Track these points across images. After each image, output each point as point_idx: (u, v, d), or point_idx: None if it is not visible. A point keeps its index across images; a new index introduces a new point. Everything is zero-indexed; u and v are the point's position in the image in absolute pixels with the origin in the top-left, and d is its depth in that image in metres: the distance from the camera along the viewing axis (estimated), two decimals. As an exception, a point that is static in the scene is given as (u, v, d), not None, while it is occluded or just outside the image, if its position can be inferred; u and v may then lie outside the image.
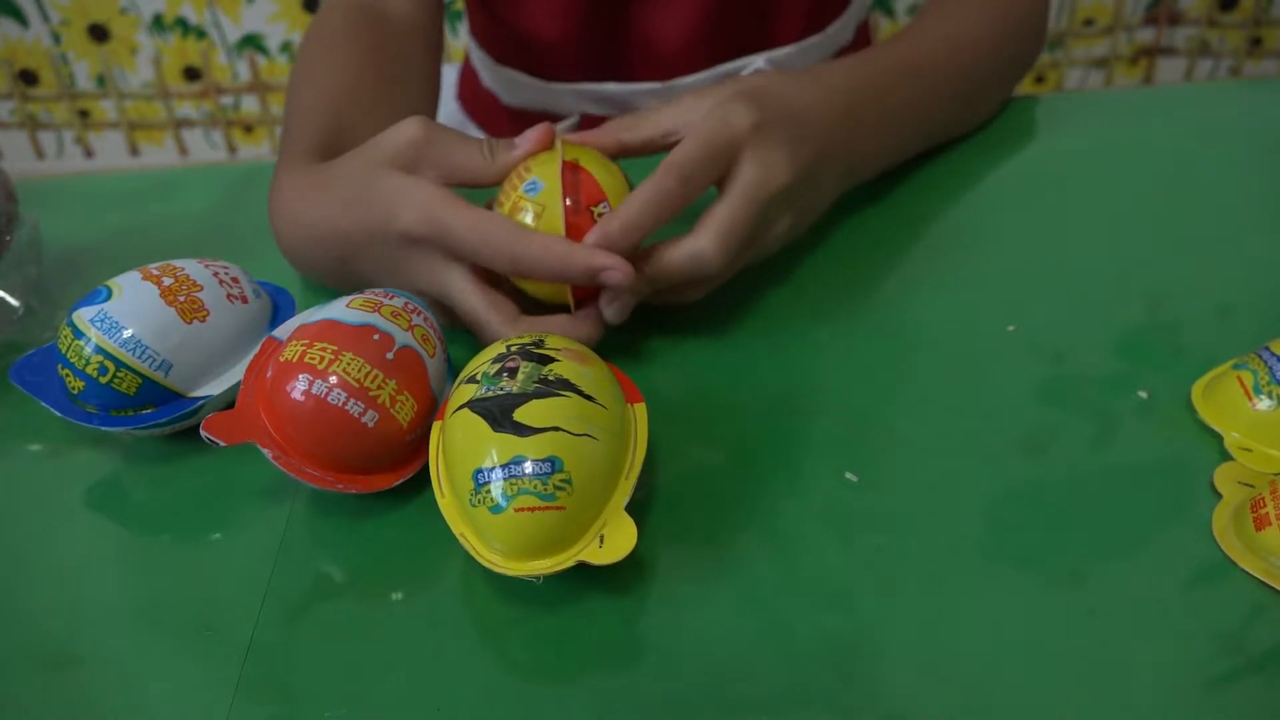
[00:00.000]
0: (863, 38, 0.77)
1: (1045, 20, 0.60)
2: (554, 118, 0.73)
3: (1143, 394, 0.39)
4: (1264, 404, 0.36)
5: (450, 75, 0.83)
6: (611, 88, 0.71)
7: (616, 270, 0.38)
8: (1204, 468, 0.36)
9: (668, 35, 0.68)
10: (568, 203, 0.39)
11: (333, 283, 0.46)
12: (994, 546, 0.34)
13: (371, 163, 0.41)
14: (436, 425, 0.36)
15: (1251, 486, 0.34)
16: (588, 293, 0.41)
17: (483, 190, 0.42)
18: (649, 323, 0.44)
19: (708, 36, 0.69)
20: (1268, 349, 0.37)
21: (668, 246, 0.40)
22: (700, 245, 0.39)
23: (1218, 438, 0.37)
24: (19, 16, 1.62)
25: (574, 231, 0.39)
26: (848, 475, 0.36)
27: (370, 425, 0.34)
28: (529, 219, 0.39)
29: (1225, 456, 0.36)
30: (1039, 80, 1.68)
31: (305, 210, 0.44)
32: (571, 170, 0.40)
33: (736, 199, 0.40)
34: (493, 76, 0.75)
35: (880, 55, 0.52)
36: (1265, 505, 0.32)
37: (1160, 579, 0.32)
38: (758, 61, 0.70)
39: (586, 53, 0.70)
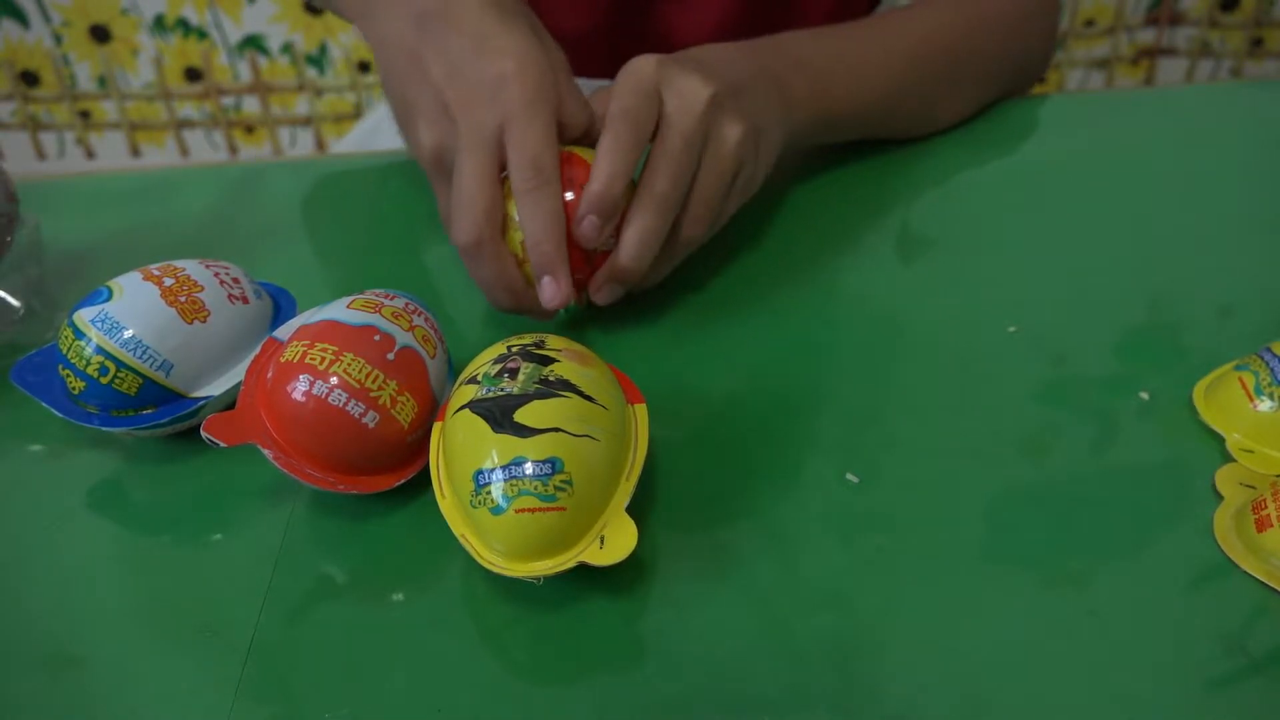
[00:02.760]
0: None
1: (1052, 23, 0.60)
2: None
3: (1144, 395, 0.39)
4: (1265, 405, 0.36)
5: None
6: None
7: (549, 294, 0.39)
8: (1205, 469, 0.36)
9: (690, 33, 0.68)
10: (569, 196, 0.40)
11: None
12: (995, 547, 0.34)
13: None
14: (437, 426, 0.36)
15: (1253, 488, 0.34)
16: (584, 282, 0.42)
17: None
18: (650, 322, 0.44)
19: (731, 35, 0.68)
20: (1269, 350, 0.37)
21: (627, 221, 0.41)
22: (643, 190, 0.40)
23: (1219, 439, 0.37)
24: (20, 17, 1.62)
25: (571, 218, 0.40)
26: (849, 476, 0.36)
27: (371, 426, 0.34)
28: None
29: (1227, 458, 0.36)
30: (1040, 81, 1.68)
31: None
32: (567, 162, 0.40)
33: (663, 130, 0.41)
34: None
35: (827, 29, 0.53)
36: (1267, 507, 0.32)
37: (1161, 580, 0.32)
38: None
39: (609, 50, 0.70)
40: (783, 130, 0.47)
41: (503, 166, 0.40)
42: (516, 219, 0.40)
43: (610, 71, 0.71)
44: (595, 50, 0.69)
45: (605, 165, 0.39)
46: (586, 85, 0.72)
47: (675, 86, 0.41)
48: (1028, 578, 0.32)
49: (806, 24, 0.70)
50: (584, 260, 0.41)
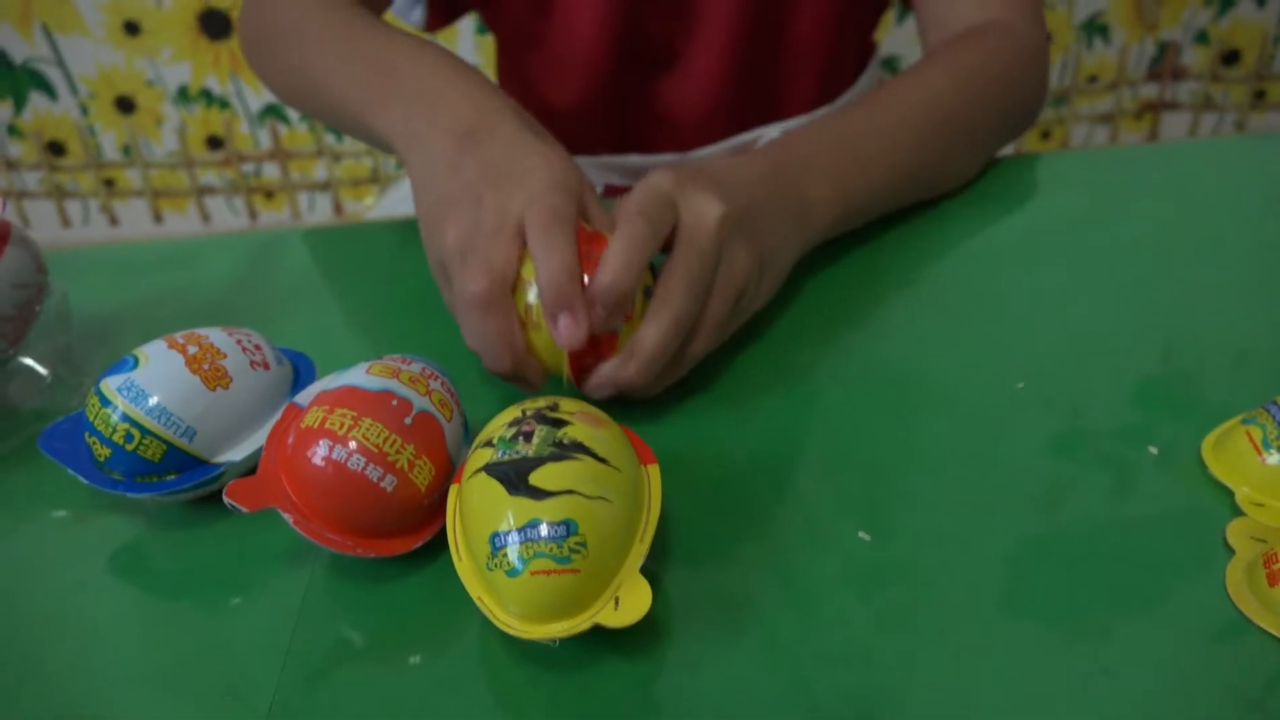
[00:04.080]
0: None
1: (1043, 71, 0.61)
2: None
3: (1153, 450, 0.39)
4: (1274, 459, 0.36)
5: None
6: (633, 159, 0.73)
7: (565, 332, 0.39)
8: (1217, 522, 0.36)
9: (685, 108, 0.71)
10: (585, 280, 0.39)
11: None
12: (1010, 602, 0.34)
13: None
14: (454, 489, 0.37)
15: (1264, 541, 0.34)
16: (583, 364, 0.41)
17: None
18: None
19: (724, 108, 0.71)
20: (1275, 404, 0.37)
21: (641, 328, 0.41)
22: (661, 307, 0.40)
23: (1229, 492, 0.37)
24: (49, 90, 1.67)
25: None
26: (861, 534, 0.37)
27: (389, 490, 0.35)
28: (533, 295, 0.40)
29: (1237, 511, 0.36)
30: (1045, 136, 1.70)
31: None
32: (589, 240, 0.40)
33: (679, 247, 0.41)
34: None
35: (830, 118, 0.53)
36: (1278, 561, 0.32)
37: (1176, 635, 0.32)
38: (772, 131, 0.72)
39: (609, 126, 0.72)
40: (797, 247, 0.48)
41: (522, 244, 0.41)
42: (527, 280, 0.40)
43: (609, 146, 0.74)
44: (594, 124, 0.72)
45: (618, 257, 0.39)
46: (588, 162, 0.74)
47: (691, 204, 0.42)
48: (1044, 633, 0.33)
49: (793, 95, 0.72)
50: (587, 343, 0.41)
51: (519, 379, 0.42)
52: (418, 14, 0.72)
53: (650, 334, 0.40)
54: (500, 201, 0.41)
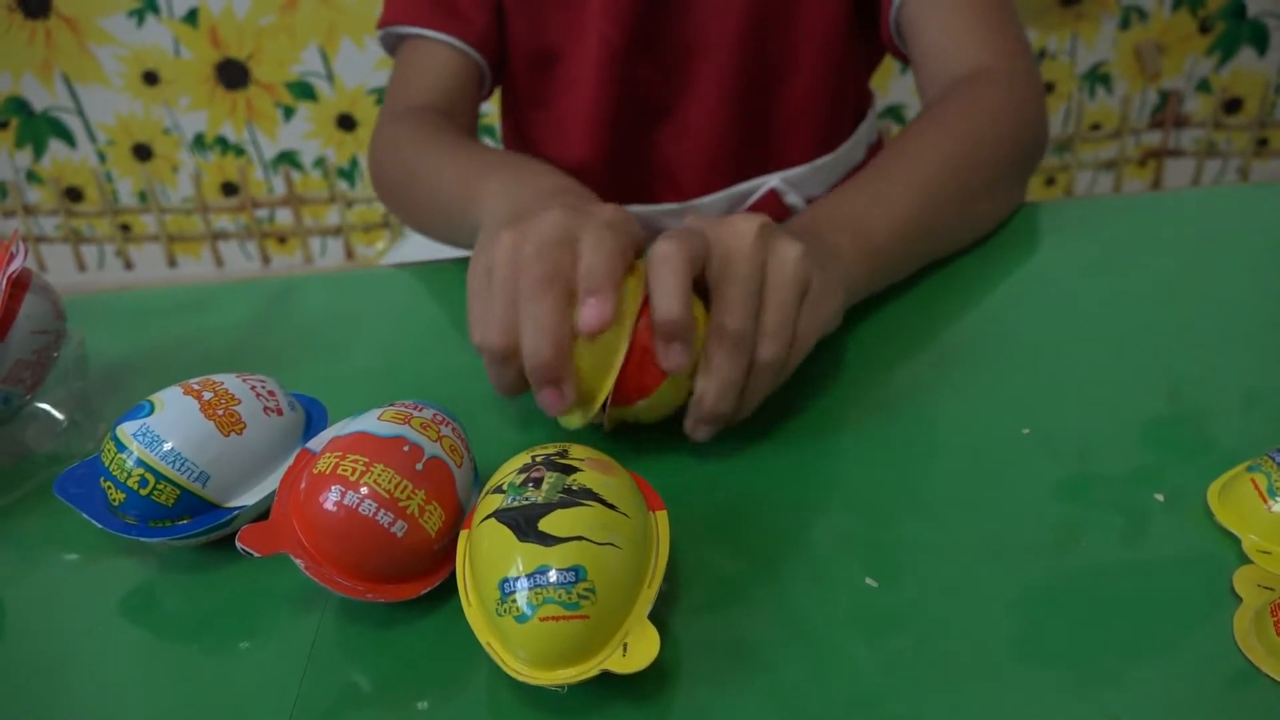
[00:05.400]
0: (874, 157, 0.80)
1: (1041, 108, 0.62)
2: None
3: (1159, 497, 0.39)
4: (1279, 506, 0.36)
5: None
6: (635, 209, 0.75)
7: (551, 404, 0.40)
8: (1225, 569, 0.36)
9: (684, 159, 0.72)
10: (641, 322, 0.40)
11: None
12: (1018, 649, 0.34)
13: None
14: (463, 534, 0.37)
15: (1271, 590, 0.34)
16: (623, 395, 0.41)
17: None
18: (670, 429, 0.45)
19: (722, 159, 0.72)
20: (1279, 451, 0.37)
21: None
22: (718, 324, 0.40)
23: (1237, 539, 0.37)
24: (68, 138, 1.70)
25: (638, 347, 0.40)
26: (868, 581, 0.37)
27: (399, 535, 0.35)
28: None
29: (1244, 559, 0.36)
30: (1049, 183, 1.71)
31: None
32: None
33: (717, 264, 0.41)
34: None
35: (844, 189, 0.54)
36: (1286, 609, 0.32)
37: (1184, 682, 0.32)
38: (773, 181, 0.73)
39: (611, 176, 0.74)
40: (840, 273, 0.47)
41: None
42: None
43: (611, 197, 0.75)
44: (596, 176, 0.73)
45: (660, 288, 0.39)
46: None
47: (722, 228, 0.42)
48: (1052, 680, 0.32)
49: (792, 146, 0.74)
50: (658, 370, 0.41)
51: (551, 383, 0.40)
52: None
53: (712, 360, 0.40)
54: (567, 217, 0.41)
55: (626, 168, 0.74)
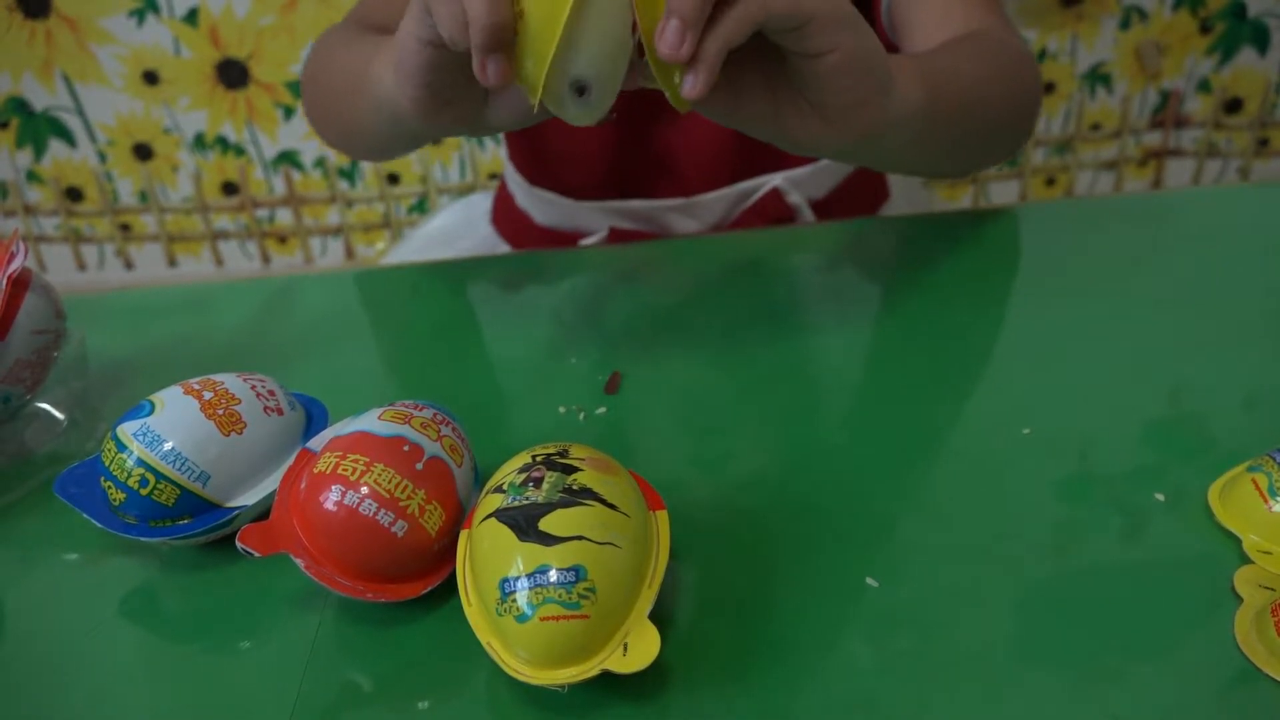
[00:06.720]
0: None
1: (1035, 68, 0.60)
2: (583, 234, 0.77)
3: (1160, 496, 0.39)
4: (1280, 506, 0.36)
5: (484, 202, 0.88)
6: (637, 204, 0.75)
7: (491, 73, 0.37)
8: (1226, 569, 0.36)
9: (689, 154, 0.72)
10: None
11: None
12: (1018, 649, 0.34)
13: None
14: (464, 534, 0.37)
15: (1272, 590, 0.34)
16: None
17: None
18: (672, 429, 0.45)
19: (727, 155, 0.72)
20: (1280, 451, 0.37)
21: None
22: None
23: (1237, 539, 0.37)
24: (68, 138, 1.70)
25: None
26: (869, 580, 0.37)
27: (400, 535, 0.35)
28: None
29: (1245, 559, 0.36)
30: (1049, 183, 1.71)
31: None
32: None
33: None
34: (527, 197, 0.80)
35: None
36: (1286, 609, 0.32)
37: (1185, 682, 0.32)
38: (776, 179, 0.73)
39: (614, 171, 0.74)
40: (872, 37, 0.42)
41: None
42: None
43: (614, 191, 0.75)
44: (599, 170, 0.73)
45: None
46: (593, 206, 0.76)
47: None
48: (1053, 680, 0.32)
49: None
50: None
51: (487, 48, 0.37)
52: None
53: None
54: None
55: (630, 161, 0.74)
